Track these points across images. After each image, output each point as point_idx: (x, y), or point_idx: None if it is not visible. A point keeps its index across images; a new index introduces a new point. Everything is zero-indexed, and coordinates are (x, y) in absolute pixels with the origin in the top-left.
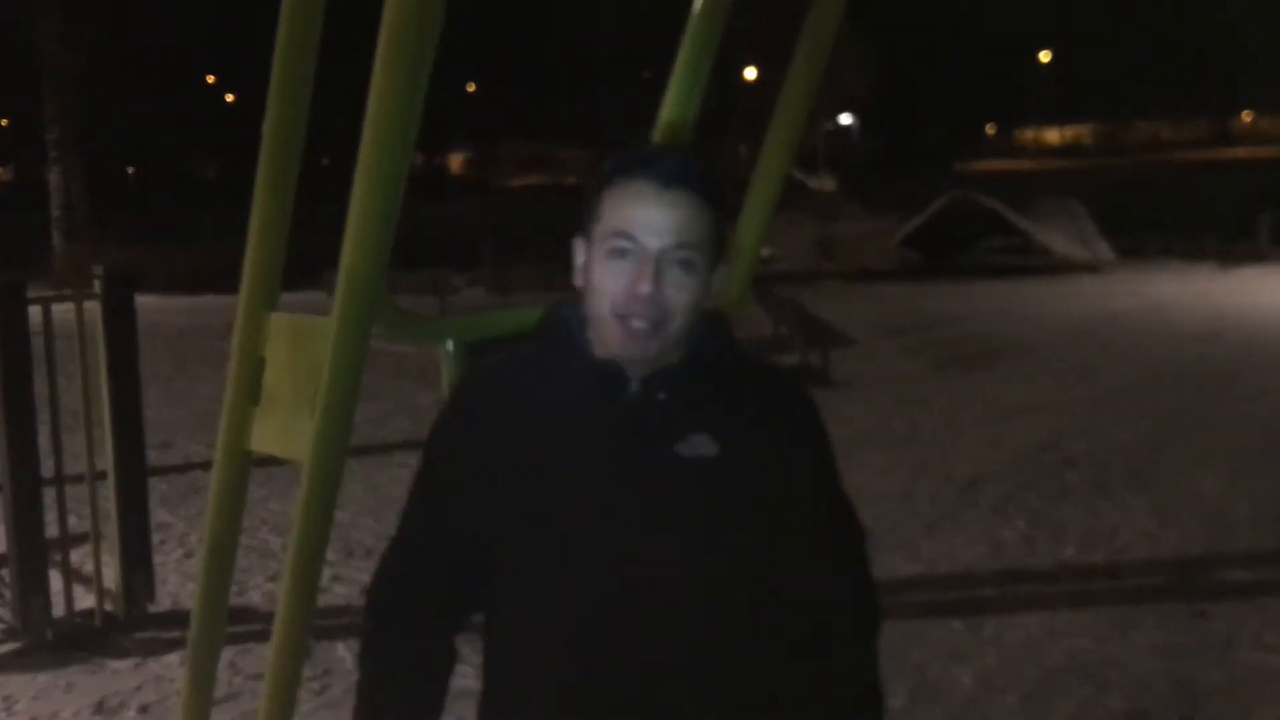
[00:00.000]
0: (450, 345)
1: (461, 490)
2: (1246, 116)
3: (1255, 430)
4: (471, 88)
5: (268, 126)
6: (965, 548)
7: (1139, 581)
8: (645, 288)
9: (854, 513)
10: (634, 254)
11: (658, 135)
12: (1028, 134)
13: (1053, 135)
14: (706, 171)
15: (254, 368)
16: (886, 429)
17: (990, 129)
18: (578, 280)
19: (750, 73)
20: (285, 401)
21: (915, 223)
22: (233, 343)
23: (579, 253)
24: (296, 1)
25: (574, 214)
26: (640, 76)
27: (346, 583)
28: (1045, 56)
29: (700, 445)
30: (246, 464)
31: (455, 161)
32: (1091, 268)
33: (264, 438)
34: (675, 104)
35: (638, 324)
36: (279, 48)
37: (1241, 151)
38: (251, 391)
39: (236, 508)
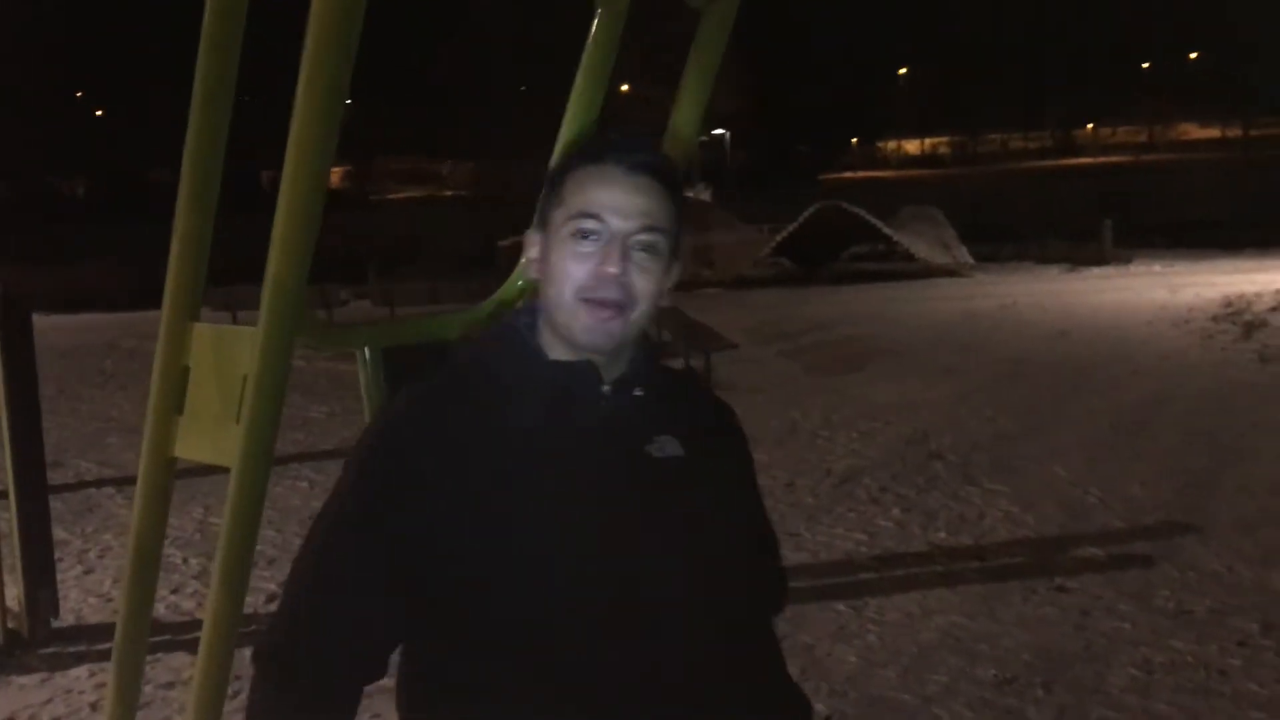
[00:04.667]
0: (368, 352)
1: (416, 522)
2: (1089, 127)
3: (1103, 420)
4: (349, 102)
5: (189, 139)
6: (845, 536)
7: (1003, 561)
8: (613, 267)
9: (771, 524)
10: (600, 235)
11: (561, 145)
12: (889, 145)
13: (912, 146)
14: (672, 164)
15: (178, 377)
16: (767, 428)
17: (854, 141)
18: (532, 272)
19: (624, 87)
20: (212, 409)
21: (787, 231)
22: (156, 353)
23: (533, 245)
24: (216, 15)
25: (456, 227)
26: (517, 91)
27: (251, 591)
28: (903, 72)
29: (668, 446)
30: (171, 472)
31: (334, 175)
32: (952, 272)
33: (190, 445)
34: (577, 115)
35: (606, 301)
36: (200, 62)
37: (1084, 160)
38: (176, 400)
39: (161, 515)
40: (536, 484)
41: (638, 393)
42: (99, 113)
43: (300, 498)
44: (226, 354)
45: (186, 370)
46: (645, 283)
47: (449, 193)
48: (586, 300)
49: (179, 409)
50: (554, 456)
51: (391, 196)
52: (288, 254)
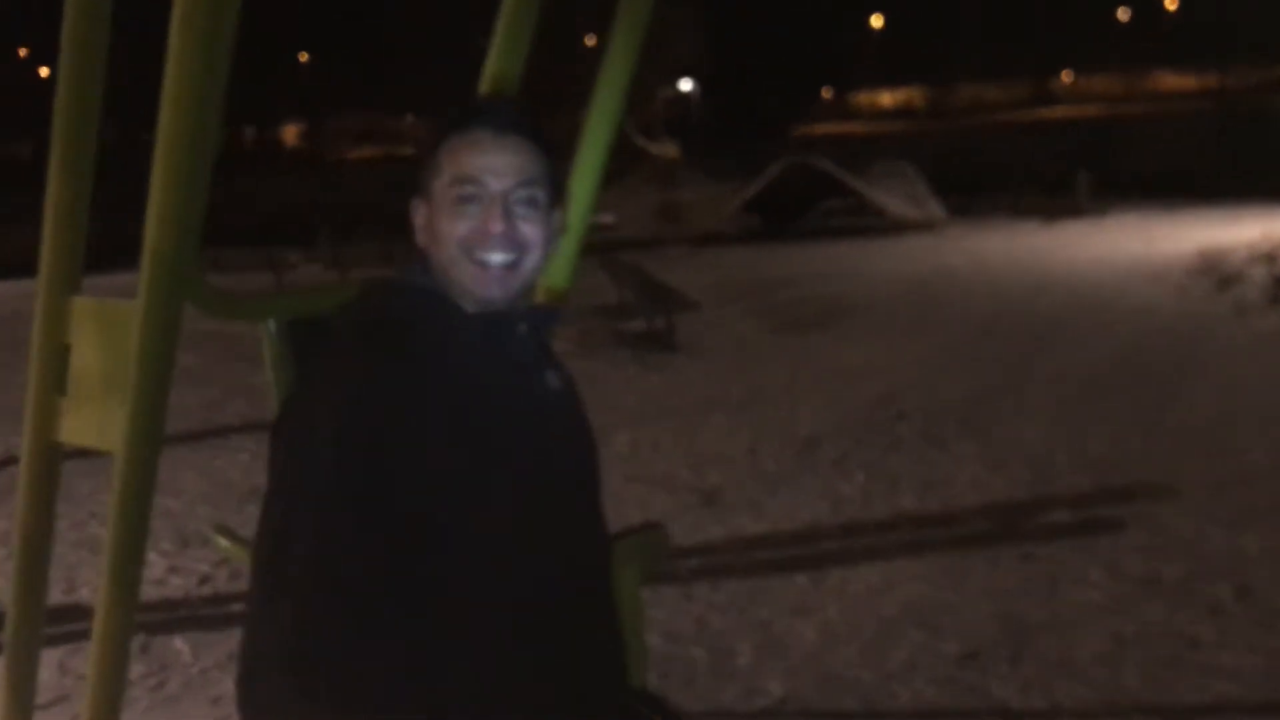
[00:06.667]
0: (272, 324)
1: (415, 464)
2: (1066, 76)
3: (1074, 380)
4: (304, 58)
5: (59, 101)
6: (807, 504)
7: (970, 528)
8: (497, 226)
9: None
10: (480, 198)
11: (485, 88)
12: (861, 97)
13: (885, 98)
14: (536, 121)
15: (58, 356)
16: (729, 391)
17: (826, 92)
18: (420, 240)
19: (590, 40)
20: (96, 390)
21: (755, 187)
22: (34, 330)
23: (418, 213)
24: None
25: (414, 184)
26: (475, 45)
27: (184, 574)
28: (877, 21)
29: (551, 379)
30: (56, 457)
31: (289, 134)
32: (924, 227)
33: (75, 429)
34: (501, 58)
35: (495, 259)
36: (67, 17)
37: (1060, 111)
38: (57, 381)
39: (47, 503)
40: (495, 427)
41: (522, 329)
42: (44, 72)
43: (240, 471)
44: (111, 330)
45: (67, 348)
46: (531, 231)
47: (409, 150)
48: (471, 254)
49: (61, 390)
50: (495, 395)
51: (349, 156)
52: (166, 220)
